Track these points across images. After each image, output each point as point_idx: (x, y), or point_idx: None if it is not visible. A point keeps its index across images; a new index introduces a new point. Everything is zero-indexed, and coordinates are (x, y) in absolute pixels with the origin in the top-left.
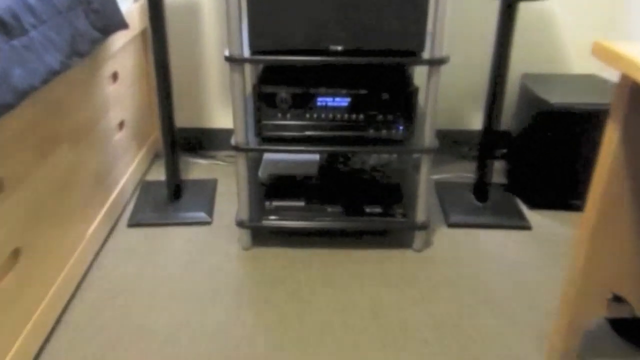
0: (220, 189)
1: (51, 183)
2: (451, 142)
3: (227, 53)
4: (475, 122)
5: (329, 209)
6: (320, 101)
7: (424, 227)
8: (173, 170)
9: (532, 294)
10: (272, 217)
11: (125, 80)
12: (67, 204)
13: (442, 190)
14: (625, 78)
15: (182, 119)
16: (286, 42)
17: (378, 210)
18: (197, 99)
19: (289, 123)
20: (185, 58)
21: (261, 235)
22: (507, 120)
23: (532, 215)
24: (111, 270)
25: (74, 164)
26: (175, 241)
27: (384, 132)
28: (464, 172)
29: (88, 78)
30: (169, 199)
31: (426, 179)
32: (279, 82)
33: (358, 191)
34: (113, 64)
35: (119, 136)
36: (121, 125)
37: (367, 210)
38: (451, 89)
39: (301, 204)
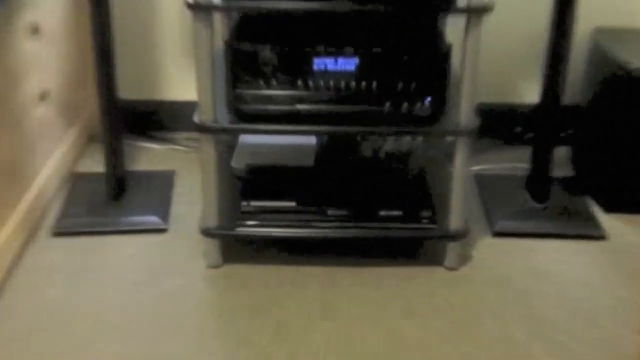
0: (180, 184)
1: None
2: (497, 121)
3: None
4: (530, 93)
5: (330, 213)
6: (318, 64)
7: (459, 236)
8: (115, 158)
9: (607, 331)
10: (251, 223)
11: (50, 36)
12: None
13: (485, 186)
14: None
15: (127, 89)
16: None
17: (397, 214)
18: (147, 62)
19: (275, 94)
20: (132, 6)
21: (235, 248)
22: (574, 92)
23: (608, 221)
24: (27, 296)
25: None
26: (117, 256)
27: (405, 106)
28: (514, 162)
29: None
30: (109, 197)
31: (463, 171)
32: (261, 37)
33: (369, 188)
34: (33, 12)
35: (40, 111)
36: (43, 96)
37: (382, 214)
38: (497, 49)
39: (291, 204)
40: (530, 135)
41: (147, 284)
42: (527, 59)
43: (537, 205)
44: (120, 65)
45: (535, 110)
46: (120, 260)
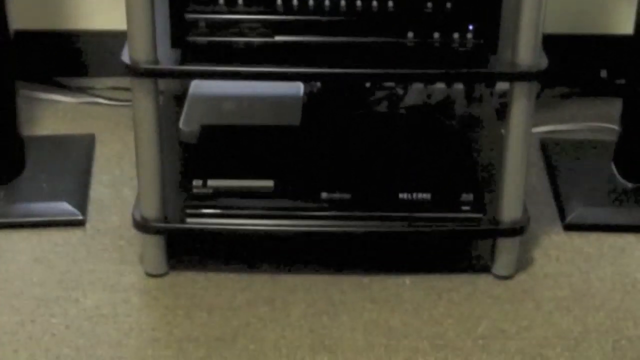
0: (102, 154)
1: None
2: (572, 61)
3: None
4: (622, 20)
5: (325, 197)
6: None
7: (515, 231)
8: (6, 117)
9: None
10: (207, 212)
11: None
12: None
13: (554, 156)
14: None
15: (25, 15)
16: None
17: (424, 197)
18: None
19: (242, 18)
20: None
21: (186, 249)
22: None
23: None
24: None
25: None
26: (14, 262)
27: (436, 37)
28: (596, 121)
29: None
30: (0, 175)
31: (522, 134)
32: None
33: (383, 160)
34: None
35: None
36: None
37: (403, 198)
38: None
39: (267, 184)
40: (621, 81)
41: (59, 301)
42: None
43: (629, 185)
44: None
45: (629, 45)
46: (18, 267)
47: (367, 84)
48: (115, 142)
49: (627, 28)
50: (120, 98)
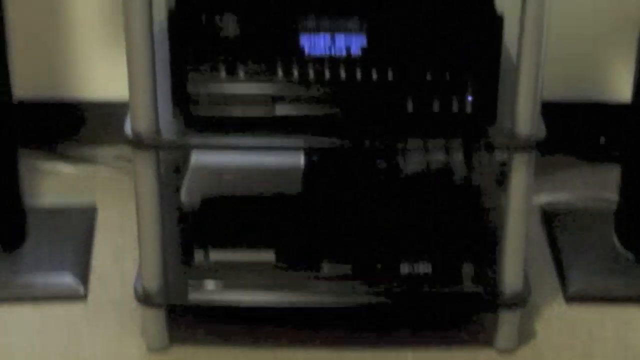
0: (104, 225)
1: None
2: (571, 128)
3: None
4: (620, 87)
5: (326, 269)
6: (307, 43)
7: (517, 303)
8: (8, 187)
9: None
10: (209, 286)
11: None
12: None
13: (555, 225)
14: None
15: (28, 85)
16: None
17: (425, 270)
18: (55, 43)
19: (243, 90)
20: None
21: (188, 322)
22: None
23: None
24: None
25: None
26: (13, 336)
27: (435, 106)
28: (596, 189)
29: None
30: (1, 246)
31: (522, 203)
32: (222, 5)
33: (384, 230)
34: None
35: None
36: None
37: (404, 270)
38: (570, 22)
39: (268, 256)
40: (620, 149)
41: None
42: (614, 36)
43: (630, 255)
44: (19, 48)
45: (627, 112)
46: (20, 339)
47: (365, 153)
48: (117, 211)
49: (626, 95)
50: (122, 167)
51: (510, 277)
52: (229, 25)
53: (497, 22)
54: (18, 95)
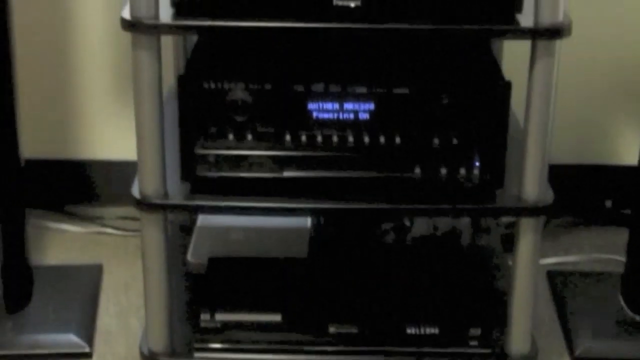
0: (109, 284)
1: None
2: (578, 192)
3: (125, 14)
4: (626, 150)
5: (332, 331)
6: (315, 109)
7: None
8: (14, 247)
9: None
10: (216, 346)
11: None
12: None
13: (562, 288)
14: None
15: (36, 145)
16: None
17: (432, 331)
18: (64, 104)
19: (251, 154)
20: (43, 25)
21: None
22: None
23: None
24: None
25: None
26: None
27: (443, 171)
28: (603, 252)
29: None
30: (7, 306)
31: (529, 266)
32: (229, 71)
33: (391, 293)
34: None
35: None
36: None
37: (411, 332)
38: (576, 88)
39: (275, 318)
40: (627, 212)
41: None
42: (620, 102)
43: (637, 318)
44: (26, 109)
45: (634, 175)
46: None
47: (373, 218)
48: (123, 271)
49: (632, 158)
50: (128, 227)
51: (518, 339)
52: (237, 90)
53: (504, 88)
54: (26, 155)
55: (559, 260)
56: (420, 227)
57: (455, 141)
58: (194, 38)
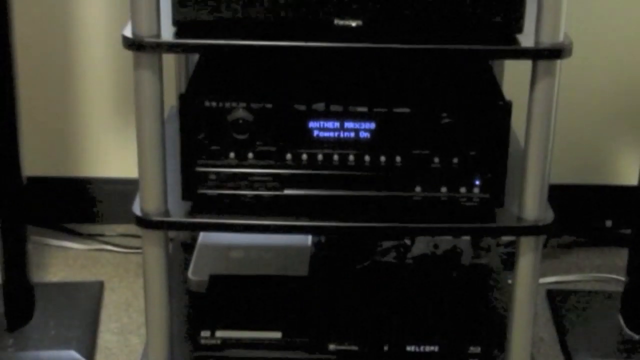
0: (110, 301)
1: None
2: (578, 211)
3: (127, 32)
4: (626, 171)
5: (332, 348)
6: (316, 128)
7: None
8: (16, 264)
9: None
10: None
11: None
12: None
13: (561, 307)
14: None
15: (36, 162)
16: (247, 10)
17: (432, 349)
18: (65, 122)
19: (252, 172)
20: (45, 44)
21: None
22: None
23: None
24: None
25: None
26: None
27: (443, 191)
28: (602, 271)
29: None
30: (8, 323)
31: (529, 285)
32: (231, 90)
33: (391, 310)
34: None
35: None
36: None
37: (410, 349)
38: (577, 109)
39: (275, 336)
40: (627, 231)
41: None
42: (620, 122)
43: (636, 337)
44: (29, 128)
45: (634, 195)
46: None
47: (373, 237)
48: (124, 289)
49: (632, 179)
50: (129, 245)
51: (517, 358)
52: (239, 108)
53: (505, 107)
54: (28, 172)
55: (559, 279)
56: (421, 246)
57: (455, 160)
58: (195, 57)
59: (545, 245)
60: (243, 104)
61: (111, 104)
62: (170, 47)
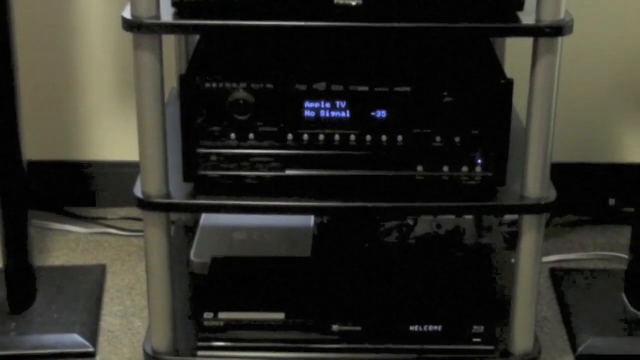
0: (113, 285)
1: None
2: (581, 190)
3: (127, 14)
4: (628, 149)
5: (336, 329)
6: (313, 108)
7: None
8: (18, 248)
9: None
10: (218, 344)
11: None
12: None
13: (565, 286)
14: None
15: (38, 146)
16: None
17: (435, 329)
18: (67, 105)
19: (252, 152)
20: (44, 27)
21: None
22: None
23: None
24: None
25: None
26: None
27: (445, 170)
28: (606, 250)
29: None
30: (10, 306)
31: (532, 264)
32: (231, 71)
33: (393, 291)
34: None
35: None
36: None
37: (413, 329)
38: (579, 86)
39: (279, 317)
40: (630, 210)
41: None
42: (623, 100)
43: (639, 315)
44: (28, 111)
45: (637, 173)
46: None
47: (375, 217)
48: (127, 272)
49: (635, 157)
50: (131, 228)
51: (521, 337)
52: (239, 89)
53: (506, 86)
54: (29, 156)
55: (562, 258)
56: (424, 226)
57: (457, 139)
58: (195, 38)
59: (548, 224)
60: (244, 85)
61: (112, 86)
62: (170, 28)
